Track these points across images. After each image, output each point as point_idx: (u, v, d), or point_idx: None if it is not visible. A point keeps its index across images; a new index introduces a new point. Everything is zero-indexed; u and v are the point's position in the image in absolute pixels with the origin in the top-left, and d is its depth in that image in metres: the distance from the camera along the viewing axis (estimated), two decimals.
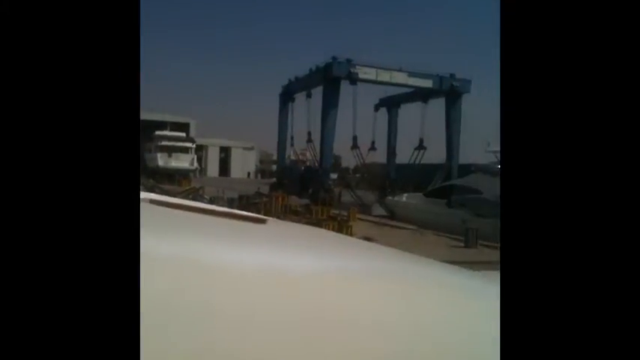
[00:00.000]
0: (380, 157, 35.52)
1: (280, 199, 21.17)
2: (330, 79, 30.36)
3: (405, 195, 24.46)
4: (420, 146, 33.11)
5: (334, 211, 19.71)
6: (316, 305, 0.88)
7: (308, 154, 36.15)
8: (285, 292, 0.87)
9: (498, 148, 20.83)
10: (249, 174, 74.84)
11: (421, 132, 33.81)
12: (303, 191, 29.87)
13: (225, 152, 74.06)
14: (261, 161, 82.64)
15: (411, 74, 31.76)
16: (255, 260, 0.90)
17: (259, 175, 74.31)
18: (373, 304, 0.95)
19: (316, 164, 32.45)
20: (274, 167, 52.54)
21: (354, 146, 32.86)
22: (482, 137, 32.03)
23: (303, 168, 36.54)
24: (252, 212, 1.37)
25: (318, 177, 30.06)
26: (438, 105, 32.82)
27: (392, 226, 19.06)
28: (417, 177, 29.29)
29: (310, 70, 33.42)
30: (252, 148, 79.26)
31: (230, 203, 19.12)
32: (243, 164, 75.34)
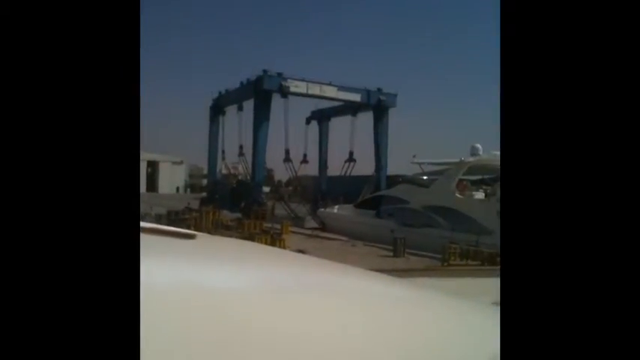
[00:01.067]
0: (312, 169, 35.91)
1: (211, 214, 20.82)
2: (261, 93, 30.34)
3: (337, 207, 24.86)
4: (350, 158, 33.75)
5: (267, 225, 19.64)
6: (248, 319, 0.86)
7: (240, 167, 35.68)
8: (216, 307, 0.85)
9: (423, 160, 21.87)
10: (178, 189, 72.40)
11: (351, 144, 34.50)
12: (234, 205, 29.42)
13: (152, 167, 71.27)
14: (190, 175, 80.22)
15: (341, 88, 32.46)
16: (183, 276, 0.88)
17: (189, 190, 72.22)
18: (306, 316, 0.94)
19: (248, 178, 32.18)
20: (205, 181, 51.43)
21: (287, 159, 33.00)
22: (408, 149, 33.39)
23: (234, 182, 35.95)
24: (181, 228, 1.33)
25: (250, 190, 29.83)
26: (367, 118, 33.83)
27: (324, 238, 19.34)
28: (348, 189, 29.74)
29: (241, 83, 33.27)
30: (181, 163, 76.55)
31: (158, 220, 18.51)
32: (172, 179, 72.28)
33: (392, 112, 33.41)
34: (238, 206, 29.14)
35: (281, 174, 36.33)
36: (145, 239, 1.12)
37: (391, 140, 33.50)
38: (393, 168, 31.79)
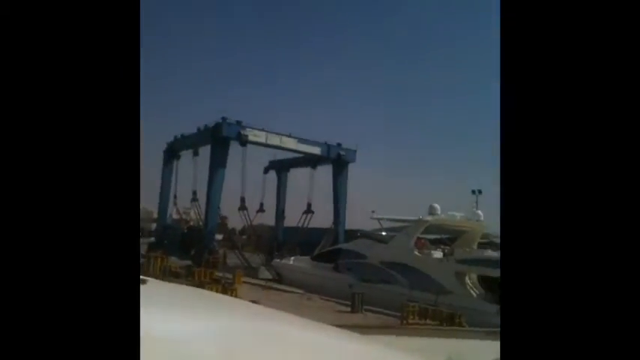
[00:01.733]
0: (268, 219, 35.49)
1: (159, 259, 19.72)
2: (218, 140, 30.18)
3: (293, 258, 24.33)
4: (309, 210, 33.56)
5: (218, 274, 18.73)
6: None
7: (192, 212, 34.90)
8: (165, 354, 0.84)
9: (382, 216, 21.87)
10: None
11: (309, 196, 34.36)
12: (184, 252, 28.44)
13: None
14: (142, 219, 77.99)
15: (301, 140, 32.73)
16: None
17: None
18: None
19: (201, 224, 31.38)
20: (154, 226, 49.76)
21: (242, 207, 32.52)
22: (367, 204, 33.89)
23: (185, 227, 35.14)
24: None
25: (201, 237, 28.99)
26: (325, 171, 34.09)
27: (279, 290, 18.61)
28: (305, 240, 29.47)
29: (198, 128, 33.04)
30: None
31: None
32: None
33: (352, 166, 33.98)
34: (188, 253, 28.28)
35: (236, 222, 35.59)
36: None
37: (350, 194, 33.87)
38: (351, 222, 31.94)
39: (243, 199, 32.43)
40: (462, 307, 14.04)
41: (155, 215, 56.04)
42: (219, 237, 32.70)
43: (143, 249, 28.66)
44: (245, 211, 32.47)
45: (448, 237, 20.02)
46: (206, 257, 24.83)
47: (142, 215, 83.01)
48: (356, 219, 33.18)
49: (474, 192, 21.84)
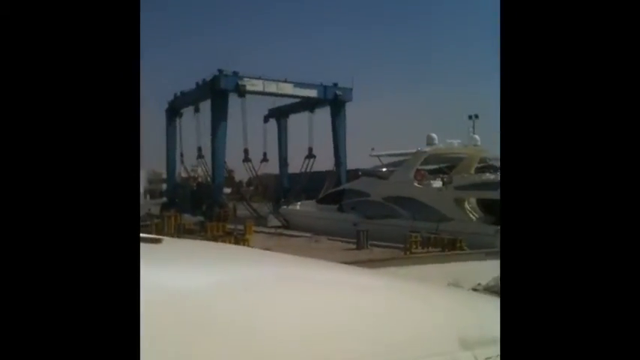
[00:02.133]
0: (272, 168, 35.69)
1: (173, 218, 20.50)
2: (217, 93, 29.89)
3: (299, 203, 24.81)
4: (310, 155, 33.78)
5: (230, 226, 19.51)
6: (223, 317, 0.88)
7: (199, 170, 35.08)
8: (192, 307, 0.86)
9: (381, 152, 22.17)
10: None
11: (310, 141, 34.46)
12: (196, 209, 28.99)
13: None
14: (149, 181, 78.42)
15: (297, 84, 32.22)
16: (155, 279, 0.89)
17: (148, 196, 70.68)
18: (279, 309, 0.96)
19: (209, 180, 31.70)
20: (164, 186, 50.26)
21: (246, 159, 32.77)
22: (367, 143, 33.91)
23: (194, 184, 35.34)
24: (144, 234, 1.35)
25: (211, 192, 29.40)
26: (325, 113, 33.94)
27: (288, 236, 19.28)
28: (310, 185, 29.80)
29: (197, 84, 32.57)
30: None
31: None
32: None
33: (349, 105, 33.78)
34: (200, 209, 28.73)
35: (241, 174, 36.08)
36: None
37: (349, 134, 33.68)
38: (352, 162, 32.09)
39: (246, 151, 32.65)
40: (462, 232, 14.52)
41: (164, 176, 56.54)
42: (227, 190, 33.22)
43: (156, 209, 29.52)
44: (250, 163, 32.73)
45: (446, 165, 20.33)
46: (217, 211, 25.45)
47: (152, 177, 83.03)
48: (357, 158, 33.48)
49: (470, 117, 21.78)
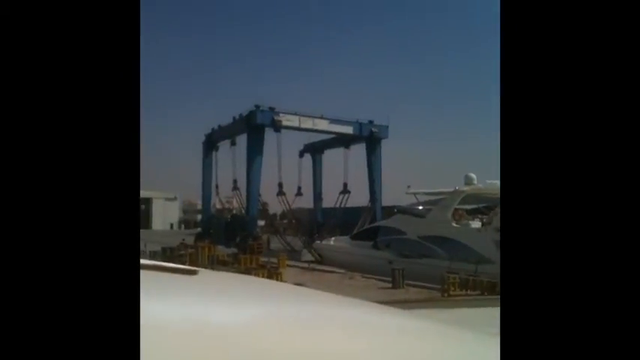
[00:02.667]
0: (306, 202, 35.98)
1: (206, 249, 20.64)
2: (253, 127, 30.80)
3: (333, 239, 24.72)
4: (345, 190, 33.83)
5: (263, 259, 19.49)
6: (258, 353, 0.86)
7: (234, 201, 35.68)
8: (226, 341, 0.85)
9: (418, 190, 21.96)
10: (172, 225, 72.19)
11: (345, 176, 34.66)
12: (230, 240, 29.24)
13: (145, 203, 71.16)
14: (184, 211, 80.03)
15: (332, 121, 33.04)
16: (192, 312, 0.89)
17: (183, 226, 72.02)
18: (315, 348, 0.95)
19: (243, 212, 32.18)
20: (199, 217, 50.94)
21: (280, 192, 32.98)
22: (403, 179, 33.77)
23: (229, 216, 36.02)
24: (178, 264, 1.34)
25: (245, 224, 29.78)
26: (359, 149, 34.12)
27: (321, 271, 19.10)
28: (344, 220, 29.83)
29: (234, 118, 33.70)
30: (174, 199, 76.79)
31: (152, 257, 18.31)
32: (165, 215, 72.47)
33: (385, 142, 33.96)
34: (234, 241, 28.99)
35: (275, 208, 36.39)
36: (148, 276, 1.12)
37: (385, 171, 33.85)
38: (387, 199, 32.01)
39: (280, 185, 32.94)
40: None
41: (199, 207, 57.12)
42: (261, 223, 33.51)
43: (190, 240, 29.87)
44: (283, 196, 33.00)
45: (485, 206, 19.94)
46: (250, 243, 25.56)
47: (186, 208, 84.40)
48: (392, 195, 33.33)
49: None
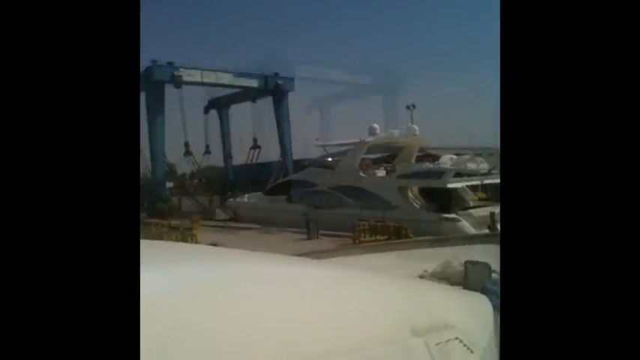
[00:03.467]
0: (216, 160, 35.20)
1: None
2: (151, 84, 28.79)
3: (246, 195, 24.80)
4: (255, 145, 33.65)
5: (174, 222, 19.26)
6: (176, 320, 0.86)
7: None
8: (149, 310, 0.82)
9: (326, 142, 22.71)
10: None
11: (254, 131, 34.27)
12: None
13: None
14: None
15: (237, 74, 32.00)
16: None
17: None
18: (238, 307, 0.95)
19: (148, 175, 30.57)
20: None
21: (187, 152, 32.20)
22: (310, 133, 33.90)
23: None
24: None
25: (151, 189, 28.54)
26: (267, 104, 33.61)
27: (237, 228, 19.44)
28: (256, 177, 29.59)
29: None
30: None
31: None
32: None
33: (292, 96, 33.97)
34: (142, 205, 28.06)
35: (183, 168, 35.45)
36: None
37: (294, 125, 33.79)
38: (298, 152, 32.22)
39: (187, 144, 32.15)
40: (407, 220, 15.22)
41: None
42: (169, 185, 32.62)
43: None
44: (191, 156, 32.27)
45: (388, 154, 21.12)
46: (160, 207, 25.04)
47: None
48: (302, 149, 33.75)
49: (408, 107, 22.73)
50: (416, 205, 17.66)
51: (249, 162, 33.60)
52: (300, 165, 25.54)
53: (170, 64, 29.53)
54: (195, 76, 30.35)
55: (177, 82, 29.61)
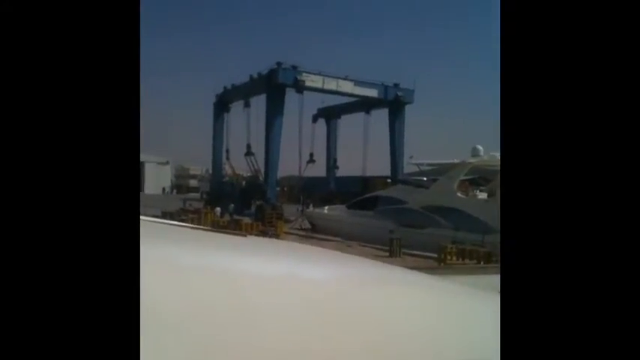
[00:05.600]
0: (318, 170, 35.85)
1: (209, 214, 22.03)
2: (274, 87, 30.05)
3: (327, 207, 25.38)
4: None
5: (262, 226, 20.70)
6: (331, 308, 0.96)
7: (250, 167, 35.03)
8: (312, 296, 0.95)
9: (421, 160, 22.55)
10: (164, 189, 73.02)
11: (364, 144, 34.80)
12: (244, 207, 29.59)
13: None
14: (176, 176, 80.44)
15: (357, 83, 32.30)
16: (275, 268, 1.00)
17: (175, 191, 72.37)
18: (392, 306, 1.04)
19: (261, 178, 32.03)
20: (191, 182, 50.15)
21: (249, 152, 32.84)
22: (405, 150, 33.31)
23: (243, 182, 35.55)
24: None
25: (263, 191, 29.66)
26: (378, 115, 34.03)
27: (319, 239, 19.95)
28: (355, 188, 29.91)
29: (251, 77, 32.75)
30: (166, 163, 77.63)
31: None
32: (158, 180, 72.69)
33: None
34: (248, 208, 29.18)
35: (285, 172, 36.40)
36: (210, 236, 1.34)
37: (384, 139, 33.68)
38: (379, 168, 32.27)
39: (249, 146, 32.79)
40: None
41: (191, 171, 55.59)
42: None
43: (188, 204, 30.02)
44: (253, 156, 32.78)
45: (481, 177, 20.48)
46: (269, 212, 25.43)
47: (179, 172, 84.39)
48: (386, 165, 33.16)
49: None
50: None
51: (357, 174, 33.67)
52: (381, 182, 25.40)
53: (294, 67, 30.37)
54: (317, 81, 31.06)
55: (300, 87, 30.25)
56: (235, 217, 26.02)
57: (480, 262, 14.19)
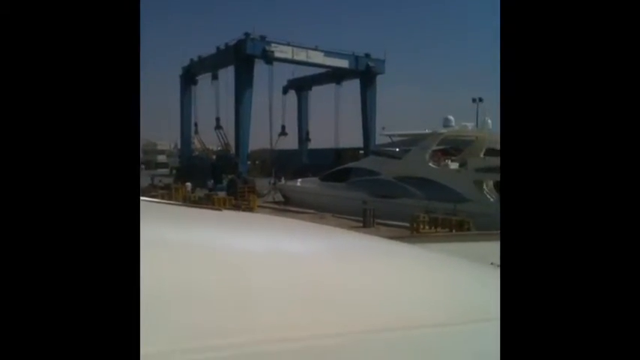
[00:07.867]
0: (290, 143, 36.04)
1: (180, 190, 22.26)
2: (243, 58, 29.70)
3: (299, 180, 25.73)
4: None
5: (234, 200, 21.02)
6: (316, 280, 1.02)
7: (219, 141, 35.26)
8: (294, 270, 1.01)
9: (393, 131, 23.12)
10: None
11: (336, 116, 35.13)
12: (216, 182, 29.52)
13: None
14: (144, 151, 76.44)
15: (328, 53, 32.35)
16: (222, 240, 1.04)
17: (143, 167, 71.39)
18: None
19: (230, 152, 32.06)
20: (159, 157, 49.56)
21: (218, 127, 32.75)
22: (377, 121, 33.82)
23: (214, 156, 35.45)
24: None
25: (234, 165, 29.65)
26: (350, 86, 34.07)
27: (292, 212, 20.45)
28: (328, 160, 30.32)
29: (218, 48, 32.33)
30: None
31: None
32: None
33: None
34: (220, 183, 29.14)
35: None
36: (185, 211, 1.39)
37: (354, 111, 33.93)
38: (350, 139, 32.40)
39: (218, 119, 32.59)
40: (479, 214, 15.50)
41: (159, 146, 55.11)
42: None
43: (156, 181, 29.84)
44: (221, 130, 32.70)
45: (452, 147, 21.23)
46: (241, 187, 25.39)
47: (146, 148, 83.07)
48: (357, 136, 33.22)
49: (474, 100, 22.45)
50: (491, 199, 17.86)
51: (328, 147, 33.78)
52: (353, 153, 25.67)
53: (263, 38, 29.98)
54: (287, 52, 30.90)
55: (269, 58, 29.93)
56: (208, 192, 26.22)
57: (452, 230, 14.97)
